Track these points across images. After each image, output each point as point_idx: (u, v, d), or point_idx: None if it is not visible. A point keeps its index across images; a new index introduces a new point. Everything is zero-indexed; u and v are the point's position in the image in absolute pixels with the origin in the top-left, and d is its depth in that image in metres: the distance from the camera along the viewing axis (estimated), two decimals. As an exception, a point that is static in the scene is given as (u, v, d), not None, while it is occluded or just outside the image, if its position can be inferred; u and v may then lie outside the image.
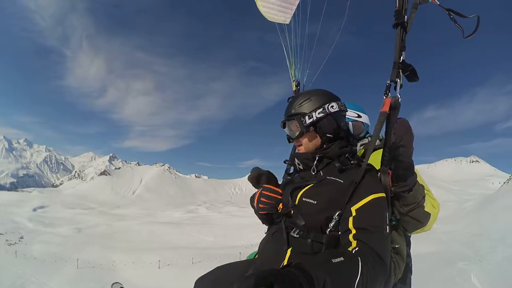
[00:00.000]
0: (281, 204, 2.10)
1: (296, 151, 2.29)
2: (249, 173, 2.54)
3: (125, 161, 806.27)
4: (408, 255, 2.58)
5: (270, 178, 2.44)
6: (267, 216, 2.22)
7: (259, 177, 2.45)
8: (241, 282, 1.14)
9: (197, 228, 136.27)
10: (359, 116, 3.01)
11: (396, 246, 2.31)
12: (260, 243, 2.24)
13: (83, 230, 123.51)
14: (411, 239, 2.63)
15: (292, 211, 1.99)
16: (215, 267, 2.38)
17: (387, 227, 1.69)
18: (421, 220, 2.15)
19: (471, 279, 33.90)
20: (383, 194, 1.81)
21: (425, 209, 2.13)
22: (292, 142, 2.28)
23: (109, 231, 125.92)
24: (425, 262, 38.85)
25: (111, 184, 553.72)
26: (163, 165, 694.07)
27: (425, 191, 2.20)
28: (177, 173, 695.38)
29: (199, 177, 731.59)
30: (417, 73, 2.05)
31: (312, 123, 2.07)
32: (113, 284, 3.68)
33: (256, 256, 2.42)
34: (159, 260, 66.35)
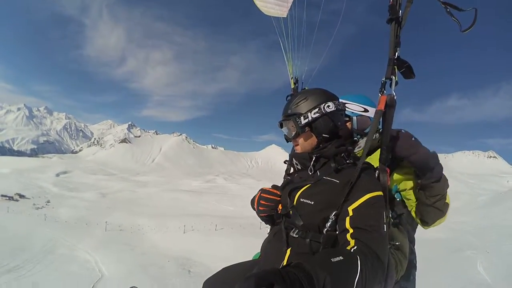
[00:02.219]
0: (280, 205, 2.20)
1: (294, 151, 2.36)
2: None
3: (144, 130, 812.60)
4: (412, 252, 2.67)
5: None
6: (268, 217, 2.29)
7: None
8: (242, 283, 1.15)
9: (216, 198, 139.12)
10: (365, 111, 2.87)
11: (397, 243, 2.36)
12: (263, 243, 2.33)
13: (107, 195, 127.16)
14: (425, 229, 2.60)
15: (291, 212, 2.04)
16: (222, 268, 2.52)
17: (384, 225, 1.70)
18: (443, 209, 2.23)
19: (477, 267, 34.73)
20: (380, 193, 1.82)
21: (446, 200, 2.23)
22: (290, 141, 2.32)
23: (132, 197, 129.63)
24: (434, 247, 39.62)
25: (131, 151, 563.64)
26: (180, 135, 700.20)
27: None
28: (195, 143, 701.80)
29: (215, 148, 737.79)
30: (413, 70, 2.05)
31: (308, 124, 2.10)
32: None
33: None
34: (184, 225, 68.76)
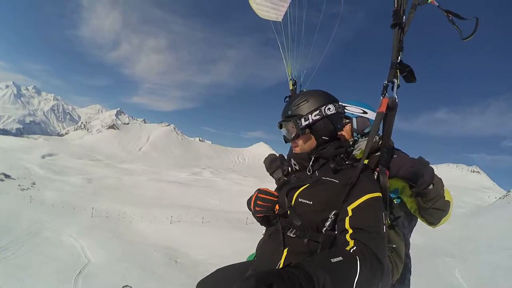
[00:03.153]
0: (277, 205, 2.17)
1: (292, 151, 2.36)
2: (267, 157, 2.75)
3: (132, 117, 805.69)
4: (407, 255, 2.68)
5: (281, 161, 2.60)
6: (264, 218, 2.26)
7: (272, 162, 2.65)
8: (241, 283, 1.15)
9: (202, 191, 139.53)
10: (364, 112, 2.96)
11: (394, 246, 2.39)
12: (258, 244, 2.33)
13: (93, 180, 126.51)
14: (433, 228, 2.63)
15: (288, 212, 2.04)
16: (216, 268, 2.51)
17: (384, 226, 1.72)
18: (444, 209, 2.24)
19: (455, 274, 35.64)
20: (379, 194, 1.84)
21: (445, 199, 2.25)
22: (288, 142, 2.30)
23: (118, 184, 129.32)
24: (413, 251, 40.97)
25: (118, 138, 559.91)
26: (168, 125, 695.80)
27: None
28: (183, 134, 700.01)
29: (203, 141, 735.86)
30: (414, 74, 2.08)
31: (308, 126, 2.10)
32: (123, 287, 3.93)
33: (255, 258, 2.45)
34: (172, 216, 69.03)
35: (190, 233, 59.32)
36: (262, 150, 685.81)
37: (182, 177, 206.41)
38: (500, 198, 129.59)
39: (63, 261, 41.25)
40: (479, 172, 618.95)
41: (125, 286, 4.19)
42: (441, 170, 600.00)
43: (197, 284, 2.36)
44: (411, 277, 2.73)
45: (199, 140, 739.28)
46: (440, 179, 2.21)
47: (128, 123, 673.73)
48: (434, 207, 2.20)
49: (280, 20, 3.47)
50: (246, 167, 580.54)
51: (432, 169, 2.14)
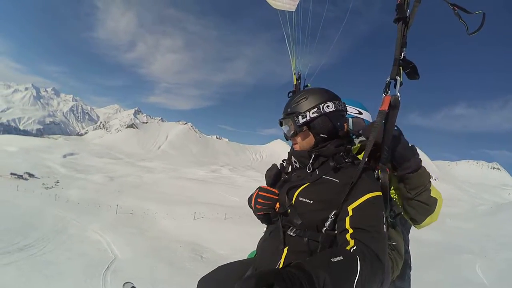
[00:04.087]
0: (278, 203, 2.16)
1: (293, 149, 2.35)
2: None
3: (150, 116, 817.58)
4: (407, 251, 2.68)
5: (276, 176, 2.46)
6: (265, 216, 2.23)
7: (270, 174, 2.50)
8: (242, 283, 1.16)
9: (222, 188, 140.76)
10: (360, 113, 2.97)
11: (394, 243, 2.37)
12: (259, 242, 2.33)
13: (115, 178, 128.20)
14: (418, 229, 2.53)
15: (289, 211, 2.02)
16: (217, 266, 2.49)
17: (384, 226, 1.70)
18: (429, 204, 2.12)
19: (476, 270, 35.00)
20: (379, 193, 1.81)
21: (432, 194, 2.12)
22: (289, 140, 2.30)
23: (139, 182, 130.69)
24: (433, 247, 39.84)
25: (137, 137, 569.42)
26: (186, 124, 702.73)
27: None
28: (200, 132, 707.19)
29: (220, 139, 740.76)
30: (418, 70, 2.00)
31: (305, 123, 2.08)
32: (124, 283, 3.82)
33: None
34: (194, 213, 69.57)
35: (214, 229, 59.51)
36: (279, 147, 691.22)
37: (201, 174, 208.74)
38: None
39: (90, 257, 41.58)
40: (499, 169, 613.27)
41: (127, 282, 3.90)
42: (461, 167, 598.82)
43: (198, 281, 2.39)
44: (411, 272, 2.74)
45: (216, 138, 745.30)
46: (428, 173, 2.12)
47: (146, 122, 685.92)
48: (418, 199, 2.08)
49: (294, 10, 3.30)
50: (264, 164, 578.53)
51: (420, 160, 2.07)
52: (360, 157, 2.21)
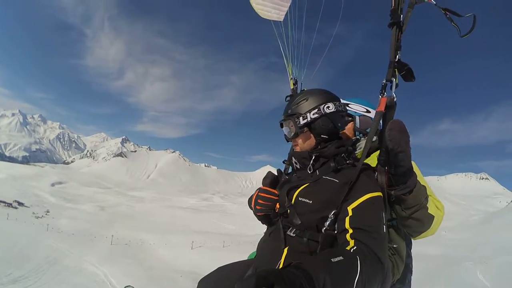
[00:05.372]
0: (278, 204, 2.16)
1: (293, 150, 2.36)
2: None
3: (137, 145, 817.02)
4: (409, 255, 2.60)
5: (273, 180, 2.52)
6: (265, 216, 2.24)
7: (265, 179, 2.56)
8: (242, 283, 1.15)
9: (216, 216, 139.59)
10: (367, 111, 2.89)
11: (395, 246, 2.33)
12: (259, 242, 2.32)
13: (106, 208, 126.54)
14: (413, 240, 2.57)
15: (288, 211, 2.02)
16: (217, 267, 2.47)
17: (384, 226, 1.70)
18: (424, 221, 2.06)
19: (477, 276, 35.57)
20: (379, 193, 1.82)
21: (429, 211, 2.06)
22: (289, 141, 2.32)
23: (131, 211, 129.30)
24: (433, 261, 40.40)
25: (126, 166, 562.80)
26: (174, 152, 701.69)
27: (428, 193, 2.12)
28: (189, 161, 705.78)
29: (208, 167, 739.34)
30: (413, 72, 2.05)
31: (306, 124, 2.09)
32: (125, 287, 3.82)
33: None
34: (192, 242, 68.48)
35: (213, 257, 57.74)
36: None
37: (193, 203, 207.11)
38: (511, 201, 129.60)
39: (88, 289, 39.94)
40: (488, 179, 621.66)
41: (127, 286, 4.00)
42: (450, 180, 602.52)
43: (198, 282, 2.38)
44: (412, 277, 2.68)
45: (205, 165, 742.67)
46: (424, 187, 2.06)
47: (135, 151, 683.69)
48: (413, 217, 2.02)
49: (282, 19, 3.44)
50: (254, 190, 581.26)
51: (416, 176, 1.98)
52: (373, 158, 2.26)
